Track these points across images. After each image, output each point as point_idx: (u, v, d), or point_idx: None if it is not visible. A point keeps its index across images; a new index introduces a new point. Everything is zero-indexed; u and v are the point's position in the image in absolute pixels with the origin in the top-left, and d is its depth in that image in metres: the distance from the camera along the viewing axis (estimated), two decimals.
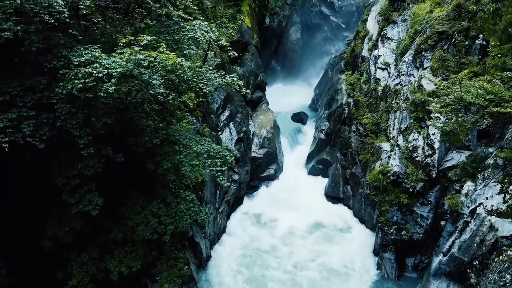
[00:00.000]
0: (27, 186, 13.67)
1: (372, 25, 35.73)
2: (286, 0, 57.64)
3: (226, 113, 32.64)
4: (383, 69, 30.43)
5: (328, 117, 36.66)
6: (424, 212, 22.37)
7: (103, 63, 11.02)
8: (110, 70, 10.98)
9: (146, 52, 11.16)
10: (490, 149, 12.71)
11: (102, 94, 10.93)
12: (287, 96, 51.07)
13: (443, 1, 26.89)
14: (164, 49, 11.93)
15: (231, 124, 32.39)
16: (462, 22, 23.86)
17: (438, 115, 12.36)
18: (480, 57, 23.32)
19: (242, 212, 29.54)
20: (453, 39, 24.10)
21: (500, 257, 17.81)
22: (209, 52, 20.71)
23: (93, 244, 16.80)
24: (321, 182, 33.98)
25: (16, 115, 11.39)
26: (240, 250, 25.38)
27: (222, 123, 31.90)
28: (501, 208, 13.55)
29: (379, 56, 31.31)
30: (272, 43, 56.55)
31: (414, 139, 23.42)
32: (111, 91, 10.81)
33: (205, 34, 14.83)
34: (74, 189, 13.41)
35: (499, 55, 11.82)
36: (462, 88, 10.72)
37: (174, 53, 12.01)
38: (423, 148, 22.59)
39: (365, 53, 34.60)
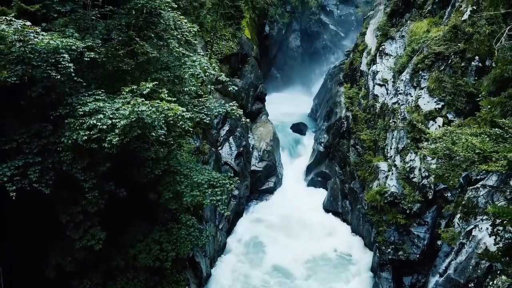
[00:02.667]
0: (30, 222, 14.01)
1: (370, 39, 36.05)
2: (285, 7, 57.99)
3: (226, 127, 32.97)
4: (381, 85, 30.77)
5: (327, 130, 37.02)
6: (420, 233, 22.73)
7: (107, 114, 11.38)
8: (114, 121, 11.34)
9: (148, 102, 11.51)
10: (481, 191, 13.04)
11: (106, 145, 11.29)
12: (286, 104, 51.41)
13: (440, 21, 27.26)
14: (166, 95, 12.28)
15: (231, 139, 32.73)
16: (459, 44, 24.16)
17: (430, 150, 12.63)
18: (476, 78, 23.71)
19: (241, 228, 29.84)
20: (450, 60, 24.42)
21: (495, 281, 18.17)
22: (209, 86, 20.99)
23: (95, 271, 17.12)
24: (320, 195, 34.33)
25: (23, 162, 11.76)
26: (240, 268, 25.71)
27: (222, 138, 32.24)
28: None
29: (377, 72, 31.65)
30: (271, 51, 56.91)
31: (411, 160, 23.77)
32: (115, 143, 11.18)
33: (206, 71, 15.17)
34: (78, 225, 13.77)
35: (488, 107, 12.14)
36: (452, 137, 11.07)
37: (174, 99, 12.36)
38: (420, 170, 22.92)
39: (363, 67, 34.94)
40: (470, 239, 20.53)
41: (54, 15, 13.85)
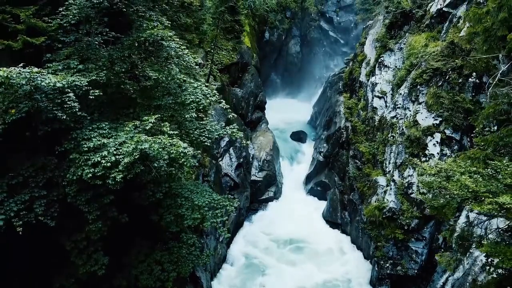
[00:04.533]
0: (33, 248, 14.30)
1: (369, 50, 36.33)
2: (285, 13, 58.27)
3: (226, 138, 33.09)
4: (380, 98, 31.07)
5: (327, 140, 37.30)
6: (418, 248, 23.03)
7: (111, 151, 11.67)
8: (118, 157, 11.63)
9: (151, 139, 11.79)
10: (476, 221, 13.34)
11: (110, 182, 11.59)
12: (286, 110, 51.76)
13: (438, 35, 27.54)
14: (168, 128, 12.56)
15: (231, 150, 32.99)
16: (456, 60, 24.45)
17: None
18: (473, 94, 24.01)
19: (241, 239, 30.10)
20: (447, 76, 24.72)
21: None
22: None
23: None
24: (319, 205, 34.62)
25: (29, 196, 12.05)
26: (240, 282, 26.02)
27: (222, 149, 32.49)
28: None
29: (376, 83, 31.94)
30: (271, 57, 57.29)
31: (409, 175, 24.07)
32: (118, 180, 11.47)
33: (207, 97, 15.45)
34: (82, 251, 14.06)
35: (482, 145, 12.41)
36: (447, 173, 11.37)
37: (176, 132, 12.65)
38: (417, 185, 23.19)
39: (362, 78, 35.23)
40: (467, 255, 20.84)
41: (58, 45, 14.14)
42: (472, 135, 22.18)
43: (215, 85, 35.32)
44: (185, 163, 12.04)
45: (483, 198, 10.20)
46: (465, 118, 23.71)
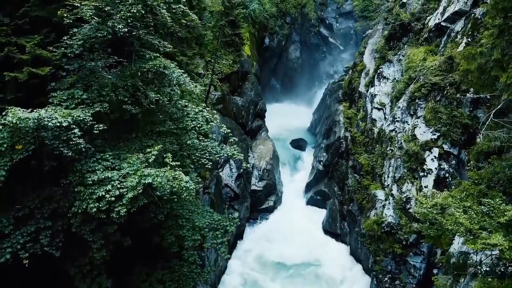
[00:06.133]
0: (37, 275, 14.59)
1: (368, 60, 36.61)
2: (285, 19, 58.53)
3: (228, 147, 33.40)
4: (379, 109, 31.34)
5: (326, 149, 37.56)
6: (417, 263, 23.32)
7: (115, 184, 11.97)
8: (122, 190, 11.93)
9: (154, 172, 12.09)
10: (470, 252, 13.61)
11: (115, 215, 11.89)
12: (286, 115, 51.93)
13: (436, 49, 27.80)
14: (170, 159, 12.84)
15: (231, 160, 33.23)
16: (454, 75, 24.70)
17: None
18: (471, 109, 24.27)
19: (241, 251, 30.37)
20: (445, 91, 24.97)
21: None
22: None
23: None
24: (319, 214, 34.85)
25: (35, 227, 12.36)
26: None
27: (222, 160, 32.74)
28: None
29: (375, 95, 32.20)
30: (271, 62, 57.50)
31: (407, 190, 24.35)
32: (122, 214, 11.77)
33: (208, 122, 15.74)
34: (85, 275, 14.35)
35: (476, 180, 12.69)
36: (443, 206, 11.66)
37: (178, 163, 12.94)
38: (416, 200, 23.46)
39: (362, 88, 35.50)
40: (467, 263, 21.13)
41: (62, 73, 14.40)
42: (469, 149, 22.55)
43: (215, 95, 35.67)
44: (187, 197, 12.31)
45: (476, 235, 10.50)
46: (463, 133, 24.00)
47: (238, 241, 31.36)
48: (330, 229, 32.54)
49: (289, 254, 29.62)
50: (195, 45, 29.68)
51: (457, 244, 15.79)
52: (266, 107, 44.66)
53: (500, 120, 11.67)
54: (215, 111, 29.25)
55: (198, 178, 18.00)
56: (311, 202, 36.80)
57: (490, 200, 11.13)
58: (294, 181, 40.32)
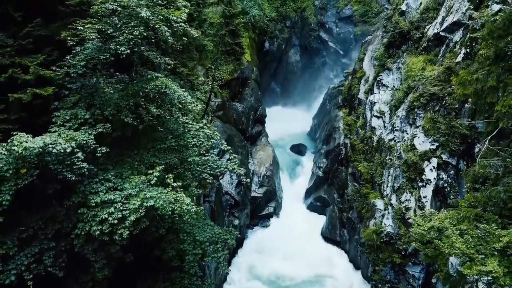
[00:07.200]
0: None
1: (368, 67, 36.79)
2: (285, 23, 58.74)
3: (227, 156, 33.40)
4: (378, 117, 31.54)
5: (326, 155, 37.77)
6: (415, 272, 23.54)
7: (117, 207, 12.19)
8: (124, 212, 12.15)
9: (155, 194, 12.31)
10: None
11: (117, 238, 12.10)
12: (286, 119, 51.99)
13: (435, 59, 27.98)
14: (171, 180, 13.06)
15: None
16: (452, 86, 24.88)
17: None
18: (469, 120, 24.44)
19: (241, 258, 30.57)
20: (444, 101, 25.16)
21: None
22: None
23: None
24: (319, 220, 35.07)
25: (39, 248, 12.57)
26: None
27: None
28: None
29: (374, 102, 32.40)
30: (271, 66, 57.69)
31: (406, 200, 24.55)
32: (125, 237, 11.99)
33: (209, 139, 15.95)
34: None
35: (472, 203, 12.89)
36: (439, 227, 11.90)
37: (180, 183, 13.15)
38: (414, 210, 23.70)
39: (361, 95, 35.69)
40: (464, 281, 21.35)
41: (65, 92, 14.61)
42: (469, 159, 22.80)
43: (215, 101, 35.87)
44: (189, 219, 12.53)
45: (472, 258, 10.73)
46: (462, 143, 24.18)
47: (239, 249, 31.55)
48: (329, 236, 32.77)
49: (288, 263, 29.82)
50: (196, 52, 29.95)
51: (454, 260, 16.02)
52: (266, 113, 44.82)
53: (496, 148, 11.87)
54: (214, 127, 29.38)
55: (198, 190, 18.21)
56: (311, 208, 37.03)
57: (486, 225, 11.34)
58: (294, 187, 40.51)
